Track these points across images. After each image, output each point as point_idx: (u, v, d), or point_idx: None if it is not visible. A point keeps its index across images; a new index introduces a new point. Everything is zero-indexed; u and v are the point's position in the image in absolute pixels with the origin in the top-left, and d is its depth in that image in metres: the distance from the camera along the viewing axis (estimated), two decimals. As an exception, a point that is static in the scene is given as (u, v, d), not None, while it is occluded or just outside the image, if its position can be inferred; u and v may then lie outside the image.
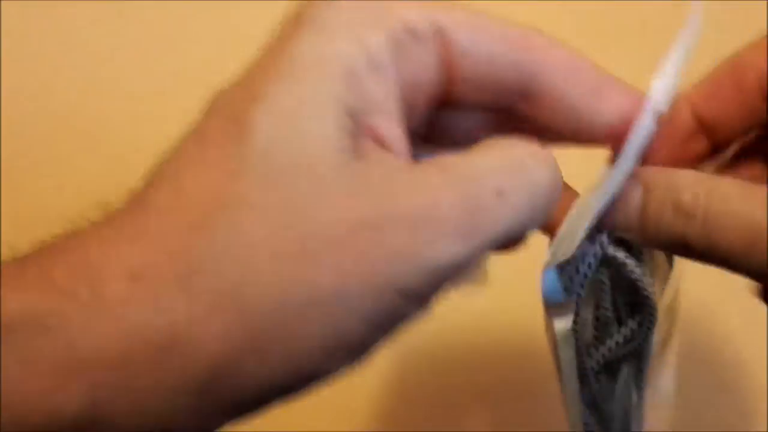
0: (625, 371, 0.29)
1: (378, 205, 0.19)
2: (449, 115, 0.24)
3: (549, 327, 0.27)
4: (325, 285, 0.18)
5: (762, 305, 0.45)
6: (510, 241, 0.22)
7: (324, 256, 0.18)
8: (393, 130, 0.20)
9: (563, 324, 0.26)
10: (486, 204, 0.20)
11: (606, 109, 0.23)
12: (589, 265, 0.26)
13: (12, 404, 0.17)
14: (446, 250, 0.19)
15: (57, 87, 0.50)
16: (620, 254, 0.26)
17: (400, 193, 0.19)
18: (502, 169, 0.21)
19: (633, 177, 0.24)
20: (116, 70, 0.50)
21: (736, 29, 0.46)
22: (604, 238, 0.25)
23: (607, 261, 0.26)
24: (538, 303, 0.46)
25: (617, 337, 0.27)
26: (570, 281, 0.26)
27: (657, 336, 0.28)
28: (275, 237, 0.18)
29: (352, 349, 0.19)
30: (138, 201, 0.20)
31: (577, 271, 0.26)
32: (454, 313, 0.49)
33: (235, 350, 0.18)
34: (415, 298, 0.19)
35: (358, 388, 0.50)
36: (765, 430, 0.45)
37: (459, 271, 0.20)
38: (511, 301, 0.48)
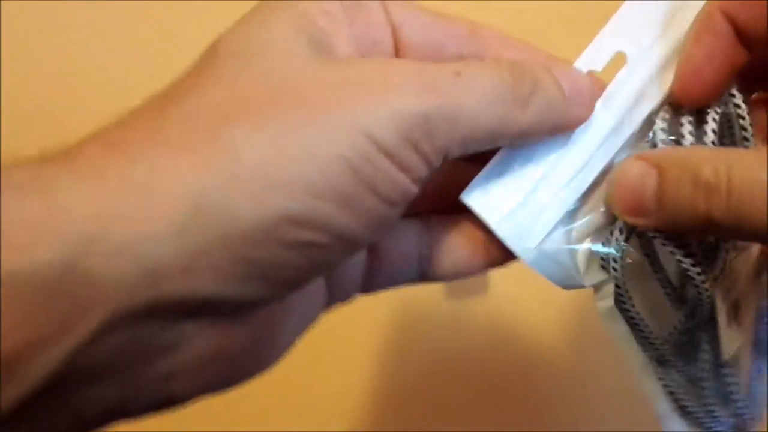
0: (704, 343, 0.28)
1: (345, 72, 0.21)
2: None
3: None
4: (296, 122, 0.19)
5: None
6: (480, 137, 0.22)
7: (294, 105, 0.20)
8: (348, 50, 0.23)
9: (605, 303, 0.26)
10: (443, 77, 0.21)
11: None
12: (617, 240, 0.25)
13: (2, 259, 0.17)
14: (406, 101, 0.20)
15: (57, 87, 0.50)
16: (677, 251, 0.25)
17: (365, 64, 0.21)
18: (463, 62, 0.23)
19: (644, 160, 0.24)
20: (116, 70, 0.50)
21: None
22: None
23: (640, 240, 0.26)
24: (537, 305, 0.46)
25: (679, 315, 0.27)
26: (603, 260, 0.25)
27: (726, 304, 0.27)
28: (248, 96, 0.20)
29: (332, 188, 0.20)
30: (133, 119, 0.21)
31: (608, 249, 0.25)
32: (453, 313, 0.49)
33: (214, 183, 0.18)
34: (384, 148, 0.20)
35: (357, 388, 0.50)
36: (765, 430, 0.45)
37: (424, 129, 0.21)
38: (510, 302, 0.48)
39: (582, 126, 0.25)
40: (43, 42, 0.51)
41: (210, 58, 0.21)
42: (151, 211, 0.18)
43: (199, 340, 0.21)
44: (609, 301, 0.26)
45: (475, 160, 0.26)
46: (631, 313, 0.26)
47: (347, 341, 0.50)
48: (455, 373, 0.49)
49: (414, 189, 0.21)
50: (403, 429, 0.49)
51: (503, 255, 0.26)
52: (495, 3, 0.47)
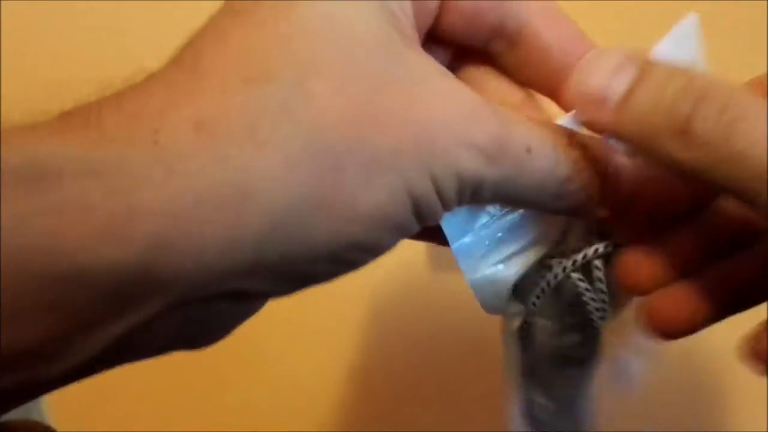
0: (572, 367, 0.29)
1: (429, 102, 0.20)
2: (428, 49, 0.24)
3: (502, 323, 0.29)
4: (385, 148, 0.19)
5: (761, 306, 0.45)
6: (521, 202, 0.23)
7: (386, 130, 0.19)
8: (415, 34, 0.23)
9: (511, 324, 0.28)
10: (515, 149, 0.21)
11: (579, 54, 0.23)
12: (543, 290, 0.26)
13: (65, 252, 0.16)
14: (474, 163, 0.20)
15: (57, 86, 0.50)
16: (582, 285, 0.26)
17: (448, 93, 0.21)
18: (536, 133, 0.22)
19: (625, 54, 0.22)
20: (116, 70, 0.50)
21: (737, 29, 0.47)
22: (569, 264, 0.26)
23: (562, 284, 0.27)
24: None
25: (564, 340, 0.28)
26: (525, 293, 0.27)
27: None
28: (342, 103, 0.19)
29: (397, 221, 0.20)
30: (184, 60, 0.19)
31: (533, 287, 0.26)
32: (437, 286, 0.49)
33: (302, 205, 0.18)
34: (442, 194, 0.20)
35: (339, 363, 0.50)
36: (765, 430, 0.45)
37: (476, 189, 0.21)
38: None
39: None
40: (43, 41, 0.51)
41: (294, 30, 0.19)
42: (238, 224, 0.18)
43: (223, 314, 0.21)
44: (514, 325, 0.28)
45: None
46: (528, 341, 0.28)
47: (329, 316, 0.50)
48: (439, 348, 0.49)
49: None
50: (387, 403, 0.49)
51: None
52: None
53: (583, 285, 0.26)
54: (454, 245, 0.25)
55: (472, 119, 0.21)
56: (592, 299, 0.26)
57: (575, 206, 0.24)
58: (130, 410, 0.51)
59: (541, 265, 0.26)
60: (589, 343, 0.28)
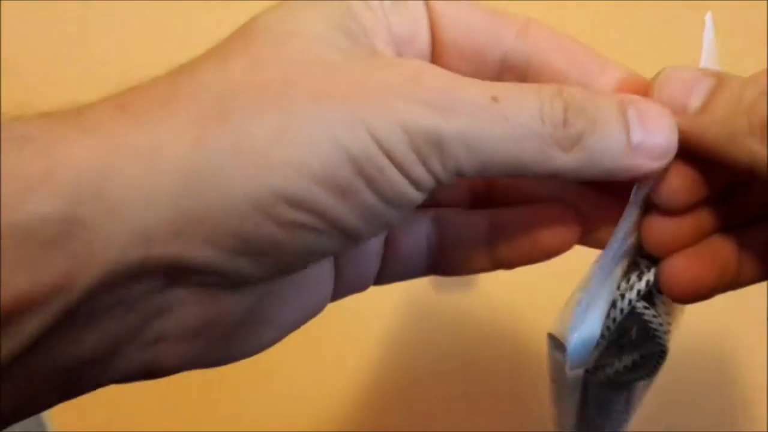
0: (621, 396, 0.29)
1: (373, 70, 0.20)
2: None
3: (555, 367, 0.27)
4: (304, 101, 0.19)
5: (761, 306, 0.45)
6: (503, 169, 0.21)
7: (304, 89, 0.20)
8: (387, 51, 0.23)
9: (577, 372, 0.27)
10: (475, 99, 0.20)
11: (605, 81, 0.24)
12: (608, 328, 0.25)
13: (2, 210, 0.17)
14: (421, 116, 0.20)
15: (57, 85, 0.50)
16: (648, 312, 0.25)
17: (397, 68, 0.21)
18: (510, 85, 0.21)
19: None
20: (118, 70, 0.50)
21: (737, 29, 0.46)
22: (633, 295, 0.25)
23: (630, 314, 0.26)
24: (526, 299, 0.46)
25: (617, 365, 0.27)
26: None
27: None
28: (259, 72, 0.20)
29: (328, 175, 0.20)
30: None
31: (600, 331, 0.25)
32: (442, 306, 0.49)
33: (211, 154, 0.19)
34: (388, 153, 0.20)
35: (345, 382, 0.50)
36: (765, 430, 0.45)
37: (437, 146, 0.20)
38: (498, 296, 0.48)
39: None
40: (44, 40, 0.51)
41: (242, 32, 0.21)
42: (151, 176, 0.18)
43: (189, 308, 0.21)
44: (580, 371, 0.27)
45: None
46: (589, 379, 0.27)
47: (334, 335, 0.50)
48: (443, 367, 0.49)
49: (419, 197, 0.21)
50: (390, 423, 0.49)
51: (508, 258, 0.26)
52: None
53: (649, 312, 0.25)
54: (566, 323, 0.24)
55: (413, 78, 0.20)
56: (660, 324, 0.26)
57: (590, 166, 0.22)
58: (127, 411, 0.51)
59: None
60: (647, 364, 0.27)
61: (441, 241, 0.27)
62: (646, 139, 0.22)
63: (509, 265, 0.27)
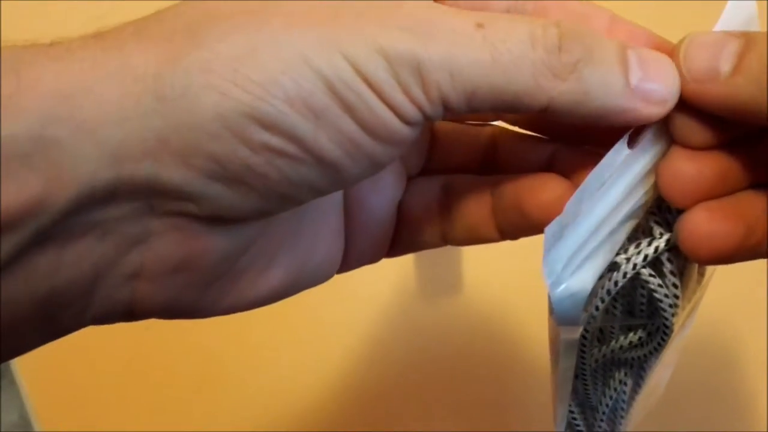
0: (622, 373, 0.28)
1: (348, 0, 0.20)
2: None
3: (553, 329, 0.26)
4: (273, 27, 0.19)
5: (761, 306, 0.44)
6: (492, 99, 0.20)
7: (276, 12, 0.19)
8: None
9: (570, 335, 0.25)
10: (458, 26, 0.20)
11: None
12: (608, 291, 0.24)
13: None
14: (398, 40, 0.19)
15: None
16: (653, 280, 0.24)
17: None
18: (498, 14, 0.20)
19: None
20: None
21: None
22: (639, 260, 0.24)
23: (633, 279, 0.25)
24: (511, 304, 0.45)
25: (622, 341, 0.26)
26: (590, 298, 0.24)
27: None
28: (238, 4, 0.20)
29: (302, 97, 0.19)
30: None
31: (598, 289, 0.24)
32: (427, 312, 0.49)
33: (181, 71, 0.19)
34: (365, 77, 0.19)
35: (331, 389, 0.49)
36: (765, 430, 0.45)
37: (414, 69, 0.19)
38: (483, 302, 0.48)
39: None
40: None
41: None
42: (119, 94, 0.18)
43: (167, 240, 0.21)
44: (575, 334, 0.25)
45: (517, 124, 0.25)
46: (587, 349, 0.26)
47: (319, 341, 0.50)
48: (430, 371, 0.49)
49: (406, 130, 0.20)
50: (377, 426, 0.49)
51: (506, 226, 0.25)
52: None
53: (655, 281, 0.24)
54: (545, 257, 0.22)
55: (392, 6, 0.20)
56: (665, 296, 0.24)
57: (588, 98, 0.21)
58: (114, 410, 0.51)
59: (610, 267, 0.24)
60: (653, 341, 0.26)
61: (451, 208, 0.26)
62: (645, 81, 0.21)
63: (512, 236, 0.26)
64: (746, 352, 0.46)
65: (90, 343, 0.50)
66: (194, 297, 0.22)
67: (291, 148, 0.19)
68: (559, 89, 0.20)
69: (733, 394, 0.46)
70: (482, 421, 0.49)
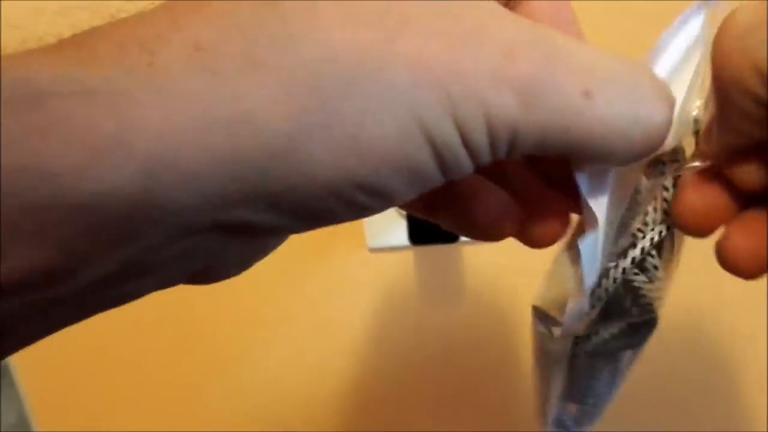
0: (605, 363, 0.28)
1: (459, 37, 0.18)
2: None
3: (539, 336, 0.27)
4: (396, 85, 0.18)
5: (761, 306, 0.44)
6: (582, 155, 0.20)
7: (401, 62, 0.18)
8: None
9: (565, 340, 0.26)
10: (566, 90, 0.19)
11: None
12: (599, 298, 0.25)
13: (48, 175, 0.16)
14: (507, 106, 0.19)
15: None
16: (639, 278, 0.25)
17: (483, 28, 0.19)
18: (602, 72, 0.20)
19: None
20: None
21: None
22: (627, 263, 0.24)
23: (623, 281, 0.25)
24: (511, 310, 0.45)
25: (604, 333, 0.27)
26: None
27: None
28: (354, 29, 0.18)
29: (409, 165, 0.19)
30: None
31: (592, 293, 0.25)
32: (428, 318, 0.49)
33: (302, 131, 0.17)
34: (466, 139, 0.19)
35: (334, 393, 0.50)
36: (765, 430, 0.45)
37: (512, 140, 0.19)
38: (484, 308, 0.48)
39: None
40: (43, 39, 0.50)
41: None
42: (234, 147, 0.17)
43: (228, 251, 0.20)
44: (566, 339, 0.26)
45: None
46: (578, 348, 0.27)
47: (320, 341, 0.50)
48: (428, 374, 0.49)
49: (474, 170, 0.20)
50: (376, 425, 0.49)
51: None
52: None
53: (640, 279, 0.24)
54: (584, 272, 0.23)
55: (508, 55, 0.19)
56: (650, 290, 0.25)
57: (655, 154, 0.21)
58: (111, 410, 0.51)
59: (601, 274, 0.24)
60: (637, 332, 0.26)
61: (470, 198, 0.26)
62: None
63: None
64: (746, 352, 0.46)
65: (88, 345, 0.50)
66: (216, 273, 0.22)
67: (378, 204, 0.19)
68: (633, 149, 0.20)
69: (733, 394, 0.46)
70: (482, 421, 0.49)
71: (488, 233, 0.25)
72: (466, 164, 0.19)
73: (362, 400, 0.49)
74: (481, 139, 0.19)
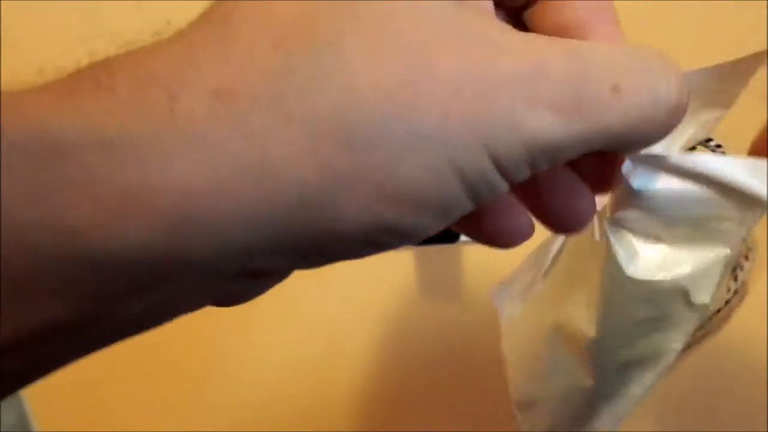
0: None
1: (487, 60, 0.18)
2: None
3: None
4: (427, 126, 0.17)
5: (761, 307, 0.45)
6: (617, 147, 0.20)
7: (430, 99, 0.17)
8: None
9: None
10: (597, 90, 0.19)
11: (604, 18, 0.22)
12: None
13: (69, 232, 0.15)
14: (545, 126, 0.18)
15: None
16: None
17: (509, 49, 0.18)
18: (623, 65, 0.19)
19: None
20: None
21: (738, 29, 0.46)
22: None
23: None
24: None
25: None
26: None
27: None
28: (380, 68, 0.17)
29: (439, 202, 0.18)
30: (213, 18, 0.18)
31: None
32: (428, 316, 0.49)
33: (330, 182, 0.17)
34: (503, 168, 0.18)
35: (335, 393, 0.50)
36: (765, 430, 0.45)
37: (553, 155, 0.19)
38: (485, 306, 0.48)
39: None
40: (43, 39, 0.50)
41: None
42: (260, 198, 0.17)
43: (255, 286, 0.20)
44: None
45: None
46: None
47: (320, 341, 0.50)
48: (428, 374, 0.49)
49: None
50: (375, 424, 0.50)
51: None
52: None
53: None
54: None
55: (539, 67, 0.18)
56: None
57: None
58: (111, 411, 0.51)
59: None
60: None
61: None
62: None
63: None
64: (746, 352, 0.46)
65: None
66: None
67: (404, 242, 0.19)
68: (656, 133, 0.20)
69: (733, 394, 0.47)
70: (482, 421, 0.49)
71: (503, 246, 0.24)
72: (503, 187, 0.19)
73: (362, 400, 0.50)
74: (520, 165, 0.18)
